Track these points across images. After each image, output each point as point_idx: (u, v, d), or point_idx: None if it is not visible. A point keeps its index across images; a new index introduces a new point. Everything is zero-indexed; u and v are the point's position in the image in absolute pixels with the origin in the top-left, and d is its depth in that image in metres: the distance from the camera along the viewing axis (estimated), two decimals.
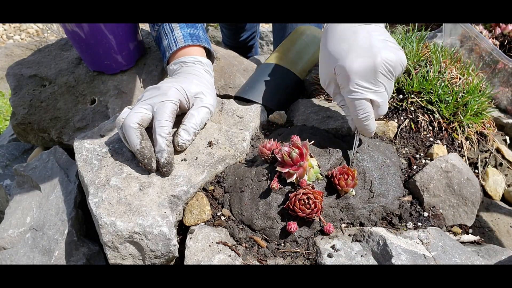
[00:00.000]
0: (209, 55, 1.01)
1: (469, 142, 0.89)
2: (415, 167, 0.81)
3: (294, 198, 0.69)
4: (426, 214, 0.74)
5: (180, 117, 0.82)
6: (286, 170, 0.70)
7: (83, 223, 0.85)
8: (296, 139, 0.74)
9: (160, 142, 0.74)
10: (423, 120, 0.88)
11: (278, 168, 0.71)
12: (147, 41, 1.20)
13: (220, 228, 0.73)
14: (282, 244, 0.70)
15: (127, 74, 1.09)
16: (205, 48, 0.97)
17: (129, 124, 0.74)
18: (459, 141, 0.88)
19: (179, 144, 0.78)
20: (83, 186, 0.77)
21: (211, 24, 3.08)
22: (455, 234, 0.74)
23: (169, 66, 0.94)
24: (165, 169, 0.75)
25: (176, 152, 0.79)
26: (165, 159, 0.74)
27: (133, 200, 0.71)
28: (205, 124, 0.87)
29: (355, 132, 0.77)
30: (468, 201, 0.76)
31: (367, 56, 0.65)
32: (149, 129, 0.79)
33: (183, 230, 0.76)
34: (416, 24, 1.09)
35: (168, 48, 0.95)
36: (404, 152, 0.85)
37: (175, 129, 0.81)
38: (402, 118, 0.89)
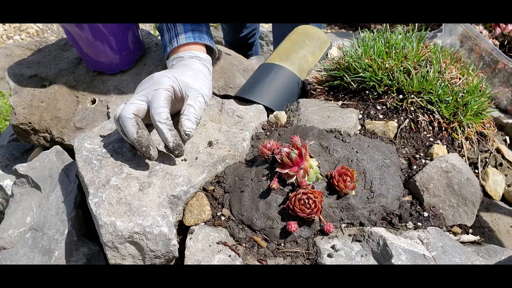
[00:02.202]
0: (212, 52, 1.01)
1: (469, 142, 0.89)
2: (415, 167, 0.81)
3: (294, 198, 0.68)
4: (426, 214, 0.74)
5: (176, 116, 0.82)
6: (286, 171, 0.70)
7: (83, 223, 0.85)
8: (296, 139, 0.74)
9: (162, 128, 0.74)
10: (423, 120, 0.88)
11: (278, 169, 0.71)
12: (147, 41, 1.20)
13: (220, 228, 0.73)
14: (282, 244, 0.70)
15: (127, 74, 1.09)
16: (207, 45, 0.97)
17: (125, 115, 0.74)
18: (459, 141, 0.88)
19: (186, 133, 0.77)
20: (83, 186, 0.77)
21: (211, 24, 3.09)
22: (455, 234, 0.74)
23: (168, 61, 0.95)
24: (177, 152, 0.75)
25: (183, 141, 0.79)
26: (173, 143, 0.74)
27: (133, 200, 0.71)
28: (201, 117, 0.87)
29: None
30: (468, 201, 0.76)
31: None
32: (149, 127, 0.79)
33: (183, 230, 0.76)
34: (416, 24, 1.09)
35: (169, 43, 0.95)
36: (404, 152, 0.85)
37: (175, 118, 0.81)
38: (402, 118, 0.89)
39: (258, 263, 0.67)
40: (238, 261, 0.66)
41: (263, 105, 0.98)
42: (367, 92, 0.95)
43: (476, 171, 0.88)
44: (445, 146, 0.86)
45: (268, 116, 0.97)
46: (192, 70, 0.87)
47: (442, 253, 0.64)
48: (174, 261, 0.74)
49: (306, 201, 0.68)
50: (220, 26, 3.01)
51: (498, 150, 0.92)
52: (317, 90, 1.03)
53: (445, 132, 0.88)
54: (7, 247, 0.84)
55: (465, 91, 0.90)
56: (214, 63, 1.10)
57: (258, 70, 1.06)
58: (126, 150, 0.81)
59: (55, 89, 1.07)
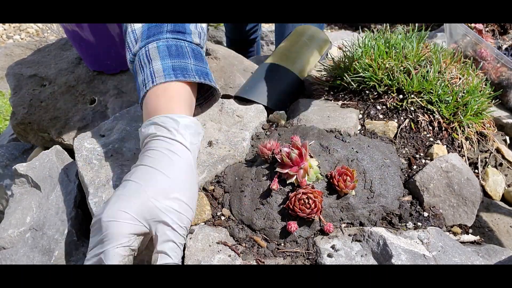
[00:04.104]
0: (208, 91, 0.79)
1: (469, 142, 0.89)
2: (415, 167, 0.81)
3: (294, 198, 0.68)
4: (426, 214, 0.74)
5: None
6: (286, 171, 0.70)
7: (83, 223, 0.85)
8: (296, 139, 0.74)
9: None
10: (423, 120, 0.88)
11: (278, 169, 0.71)
12: None
13: (220, 228, 0.73)
14: (282, 244, 0.70)
15: (127, 74, 1.09)
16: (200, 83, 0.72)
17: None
18: (459, 141, 0.88)
19: None
20: (83, 186, 0.77)
21: (211, 24, 3.08)
22: (455, 234, 0.74)
23: (141, 128, 0.66)
24: None
25: None
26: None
27: None
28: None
29: None
30: (468, 201, 0.76)
31: None
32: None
33: None
34: (416, 24, 1.09)
35: (142, 86, 0.67)
36: (404, 152, 0.85)
37: None
38: (402, 118, 0.89)
39: (258, 263, 0.67)
40: (238, 261, 0.66)
41: (263, 105, 0.98)
42: (367, 92, 0.95)
43: (476, 171, 0.88)
44: (445, 146, 0.86)
45: (268, 116, 0.97)
46: (164, 174, 0.60)
47: (442, 253, 0.65)
48: None
49: (306, 201, 0.68)
50: (220, 26, 3.02)
51: (498, 150, 0.92)
52: (317, 90, 1.03)
53: (445, 132, 0.88)
54: (7, 246, 0.84)
55: (465, 91, 0.90)
56: (214, 64, 1.10)
57: (258, 70, 1.06)
58: (126, 150, 0.81)
59: (55, 89, 1.07)
